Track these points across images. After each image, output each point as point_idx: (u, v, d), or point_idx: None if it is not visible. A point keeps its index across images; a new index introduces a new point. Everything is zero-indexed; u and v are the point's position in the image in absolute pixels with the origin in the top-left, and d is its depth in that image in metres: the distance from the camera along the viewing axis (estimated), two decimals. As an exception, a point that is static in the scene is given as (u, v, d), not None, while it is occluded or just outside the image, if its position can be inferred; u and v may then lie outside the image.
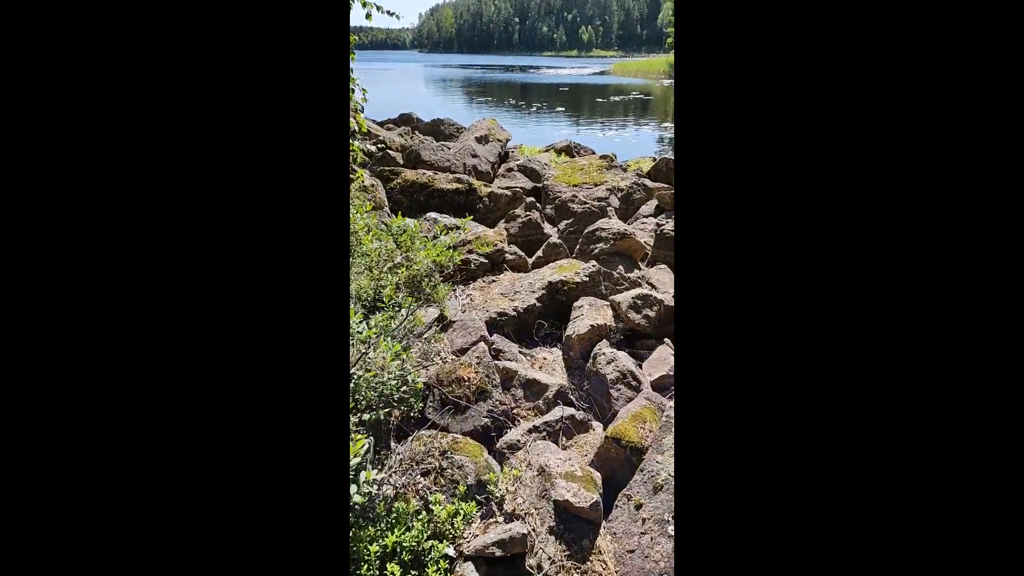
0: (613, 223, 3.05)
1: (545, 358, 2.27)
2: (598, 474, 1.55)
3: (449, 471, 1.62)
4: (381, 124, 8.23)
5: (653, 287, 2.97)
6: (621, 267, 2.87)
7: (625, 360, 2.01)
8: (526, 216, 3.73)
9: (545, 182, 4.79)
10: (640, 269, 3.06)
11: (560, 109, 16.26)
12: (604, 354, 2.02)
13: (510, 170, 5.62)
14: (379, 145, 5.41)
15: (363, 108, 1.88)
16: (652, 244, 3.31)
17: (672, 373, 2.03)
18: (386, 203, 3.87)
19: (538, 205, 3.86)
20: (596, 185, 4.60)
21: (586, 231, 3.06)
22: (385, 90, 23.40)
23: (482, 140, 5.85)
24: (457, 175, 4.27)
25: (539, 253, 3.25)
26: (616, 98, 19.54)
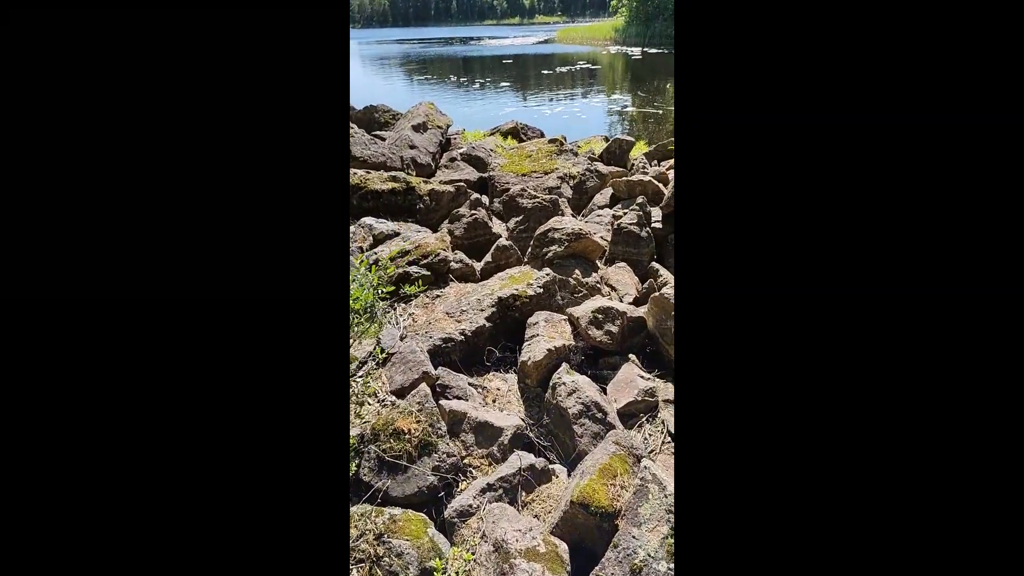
0: (567, 222, 2.79)
1: (499, 388, 2.01)
2: (564, 545, 1.33)
3: (387, 560, 1.36)
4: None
5: (613, 289, 2.76)
6: (578, 271, 2.63)
7: (587, 388, 1.78)
8: (471, 215, 3.41)
9: (491, 172, 4.46)
10: (598, 270, 2.83)
11: (505, 84, 15.68)
12: (564, 384, 1.79)
13: (453, 160, 5.22)
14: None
15: None
16: (609, 240, 3.09)
17: (640, 398, 1.83)
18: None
19: (483, 201, 3.54)
20: (546, 173, 4.31)
21: (538, 232, 2.78)
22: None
23: (420, 128, 5.40)
24: (393, 172, 3.87)
25: (488, 258, 2.96)
26: (562, 69, 19.08)
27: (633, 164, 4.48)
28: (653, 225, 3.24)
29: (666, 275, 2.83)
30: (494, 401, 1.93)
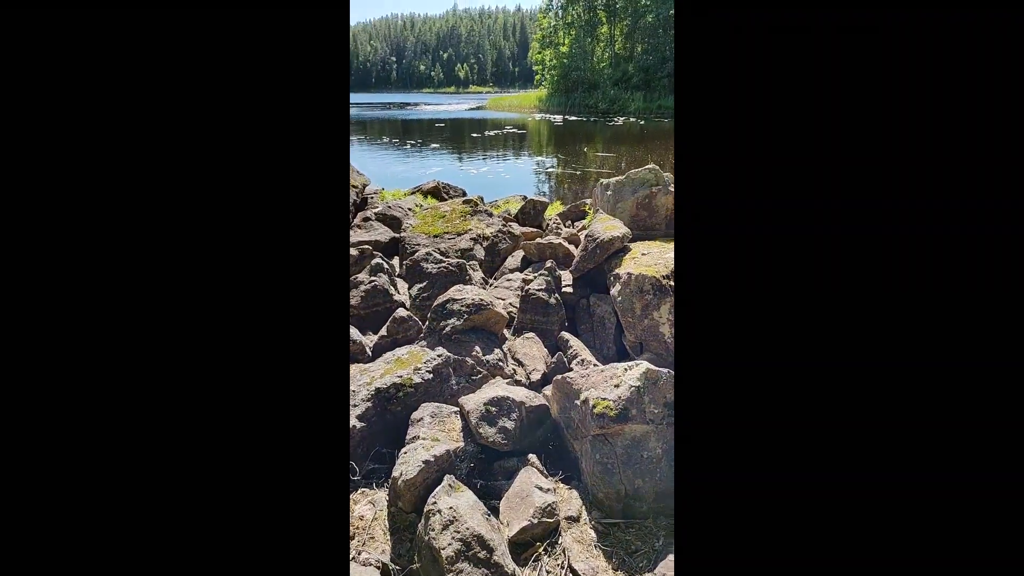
0: (468, 291, 2.49)
1: (363, 516, 1.57)
2: None
3: None
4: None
5: (521, 364, 2.45)
6: (478, 347, 2.31)
7: (470, 516, 1.40)
8: (370, 282, 3.04)
9: (403, 233, 4.16)
10: (503, 343, 2.53)
11: (435, 145, 15.94)
12: (439, 512, 1.39)
13: (367, 220, 4.89)
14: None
15: None
16: (518, 307, 2.82)
17: (536, 520, 1.47)
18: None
19: (386, 267, 3.20)
20: (459, 235, 4.08)
21: (435, 303, 2.45)
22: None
23: (329, 187, 5.07)
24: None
25: (383, 331, 2.57)
26: (491, 133, 19.87)
27: (548, 224, 4.38)
28: (564, 290, 3.04)
29: (577, 346, 2.58)
30: (353, 539, 1.48)
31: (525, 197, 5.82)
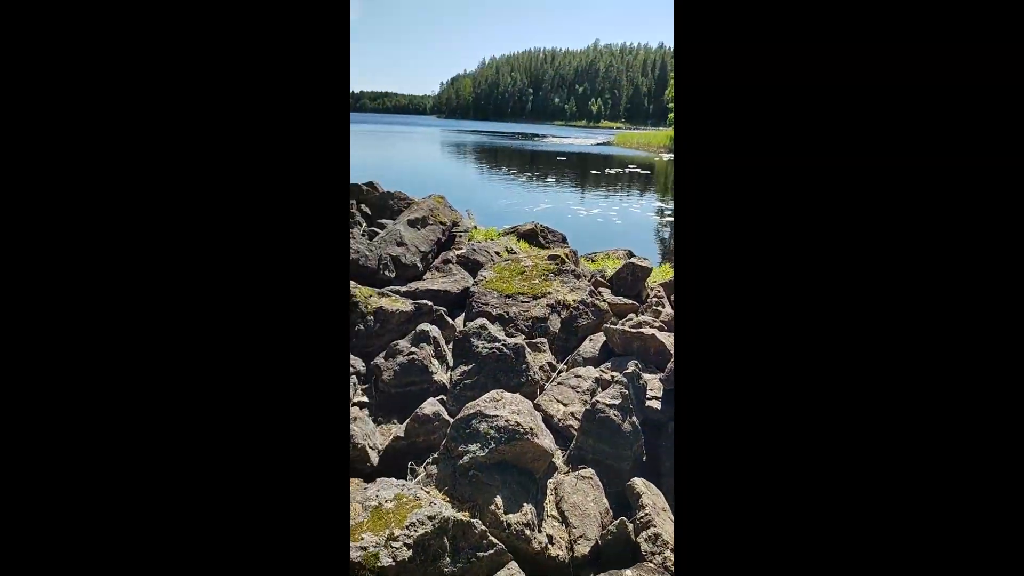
0: (505, 405, 1.86)
1: None
2: None
3: None
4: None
5: (564, 522, 1.74)
6: (502, 496, 1.65)
7: None
8: (409, 354, 2.57)
9: (473, 287, 3.69)
10: (545, 492, 1.82)
11: (551, 179, 15.69)
12: None
13: (447, 262, 4.56)
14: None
15: None
16: (579, 429, 2.11)
17: None
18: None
19: (433, 335, 2.71)
20: (536, 298, 3.48)
21: (457, 418, 1.85)
22: (397, 150, 23.68)
23: (417, 224, 4.85)
24: (353, 276, 3.18)
25: (401, 430, 2.05)
26: (613, 171, 19.14)
27: (648, 296, 3.58)
28: (649, 403, 2.25)
29: (651, 505, 1.77)
30: None
31: (631, 254, 5.05)
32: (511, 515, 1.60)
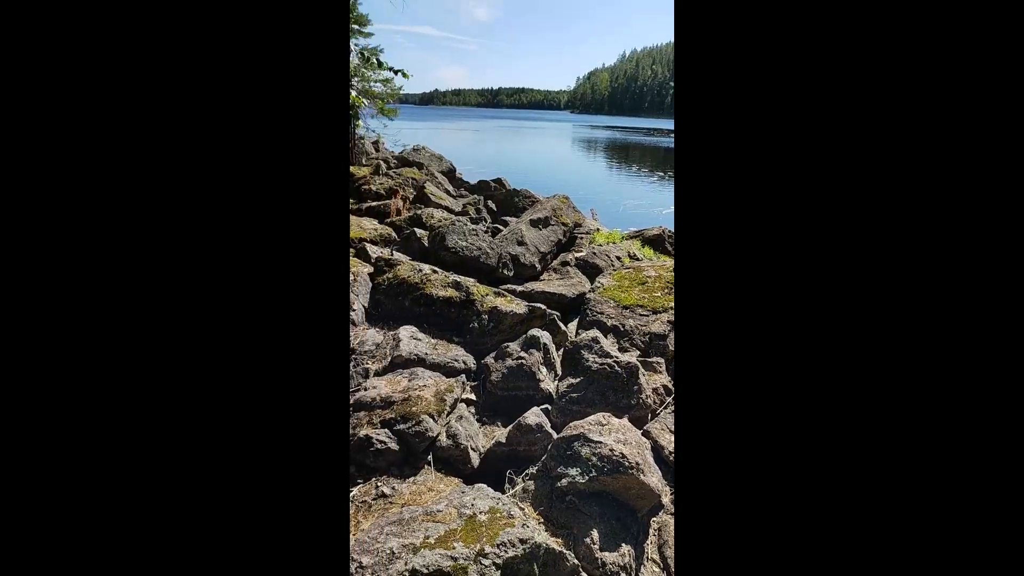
0: (611, 432, 1.74)
1: None
2: None
3: None
4: (463, 185, 7.80)
5: (665, 570, 1.57)
6: (601, 532, 1.54)
7: None
8: (518, 358, 2.58)
9: (589, 294, 3.56)
10: (647, 531, 1.67)
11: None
12: None
13: (565, 264, 4.50)
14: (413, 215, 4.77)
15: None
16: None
17: None
18: (356, 309, 3.05)
19: (544, 341, 2.67)
20: (656, 312, 3.23)
21: (559, 437, 1.79)
22: (522, 144, 24.38)
23: (539, 223, 4.86)
24: (457, 278, 3.30)
25: (504, 436, 2.06)
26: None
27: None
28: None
29: None
30: None
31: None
32: (607, 553, 1.49)
